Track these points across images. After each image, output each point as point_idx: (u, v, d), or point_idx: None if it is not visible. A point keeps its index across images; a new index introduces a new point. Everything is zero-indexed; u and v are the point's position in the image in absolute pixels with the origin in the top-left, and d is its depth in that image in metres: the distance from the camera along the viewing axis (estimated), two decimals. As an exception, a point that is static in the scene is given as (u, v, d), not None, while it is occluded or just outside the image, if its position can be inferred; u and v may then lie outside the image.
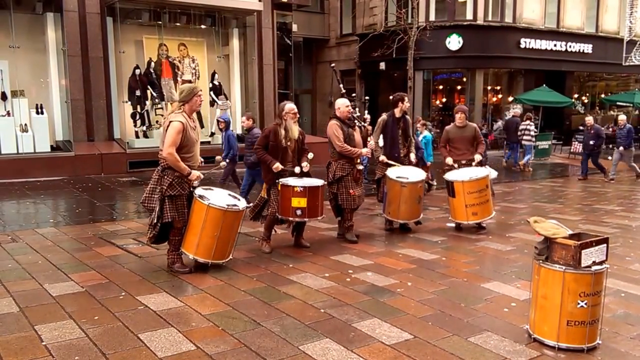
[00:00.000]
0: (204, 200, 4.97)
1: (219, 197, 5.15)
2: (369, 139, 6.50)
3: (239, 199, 5.29)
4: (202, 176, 5.10)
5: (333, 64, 8.68)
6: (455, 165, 7.18)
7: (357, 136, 6.34)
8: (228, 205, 5.04)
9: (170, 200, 4.96)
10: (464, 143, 7.32)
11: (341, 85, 6.69)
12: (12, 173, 11.07)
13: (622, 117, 13.71)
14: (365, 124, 6.57)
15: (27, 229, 7.04)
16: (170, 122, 4.91)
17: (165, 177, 4.95)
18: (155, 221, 5.04)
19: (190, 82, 14.02)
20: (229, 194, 5.35)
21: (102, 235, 6.66)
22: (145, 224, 7.48)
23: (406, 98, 6.93)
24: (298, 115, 5.96)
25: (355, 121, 6.37)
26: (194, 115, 5.31)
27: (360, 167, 6.35)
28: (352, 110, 6.32)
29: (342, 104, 6.30)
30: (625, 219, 8.18)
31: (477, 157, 7.15)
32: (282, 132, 5.79)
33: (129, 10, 13.60)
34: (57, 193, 9.72)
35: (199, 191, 5.07)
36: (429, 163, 10.61)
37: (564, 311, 3.49)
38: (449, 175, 7.00)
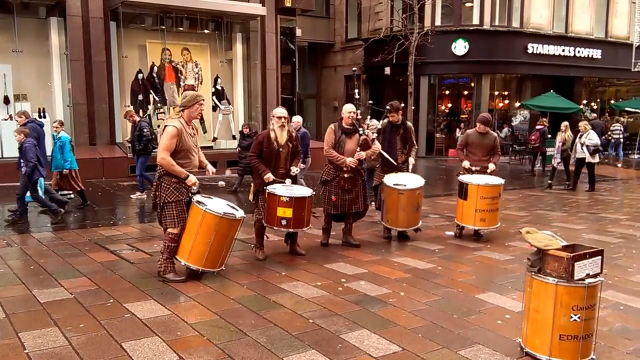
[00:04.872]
0: (201, 206, 4.92)
1: (217, 205, 5.10)
2: (374, 144, 6.36)
3: (237, 209, 5.22)
4: (197, 182, 5.03)
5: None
6: (473, 169, 7.15)
7: (350, 144, 6.19)
8: (225, 213, 4.97)
9: (169, 206, 4.91)
10: (482, 150, 7.26)
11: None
12: (14, 176, 11.04)
13: (296, 119, 9.80)
14: (367, 133, 6.30)
15: (23, 234, 7.03)
16: (165, 126, 4.88)
17: (163, 184, 4.91)
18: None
19: (193, 87, 14.08)
20: (227, 204, 5.28)
21: (98, 241, 6.62)
22: (140, 229, 7.51)
23: (389, 109, 6.77)
24: (284, 121, 5.75)
25: (360, 128, 6.23)
26: (195, 122, 5.30)
27: (346, 175, 6.19)
28: (353, 116, 6.19)
29: (344, 110, 6.27)
30: (630, 229, 8.01)
31: (491, 167, 7.12)
32: (272, 134, 5.75)
33: (133, 15, 13.63)
34: (57, 197, 9.69)
35: (197, 197, 5.02)
36: (66, 170, 8.82)
37: (556, 325, 3.39)
38: (464, 177, 6.93)
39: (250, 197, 5.97)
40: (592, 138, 11.76)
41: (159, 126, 13.51)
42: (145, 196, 9.66)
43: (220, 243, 5.03)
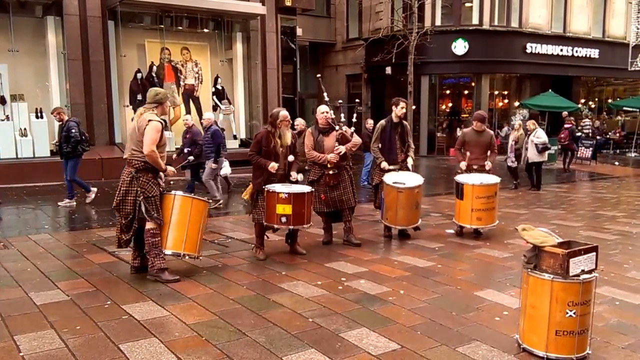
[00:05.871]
0: (186, 195, 5.15)
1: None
2: (354, 137, 6.45)
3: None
4: (175, 172, 5.23)
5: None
6: (474, 167, 7.25)
7: (329, 141, 6.27)
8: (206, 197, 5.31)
9: (151, 201, 4.93)
10: (479, 148, 7.33)
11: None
12: (10, 178, 11.02)
13: (207, 115, 9.42)
14: (345, 129, 6.38)
15: (20, 235, 6.98)
16: (150, 121, 4.91)
17: (142, 178, 4.93)
18: (135, 225, 4.97)
19: (193, 86, 14.14)
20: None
21: (96, 242, 6.60)
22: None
23: (401, 103, 6.80)
24: (290, 122, 5.94)
25: (336, 126, 6.29)
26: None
27: (331, 172, 6.27)
28: (327, 116, 6.29)
29: (318, 111, 6.39)
30: (626, 226, 8.03)
31: (488, 165, 7.21)
32: (278, 140, 5.77)
33: (131, 14, 13.57)
34: (54, 198, 9.67)
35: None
36: None
37: (552, 321, 3.40)
38: (460, 177, 6.99)
39: (246, 196, 5.97)
40: (540, 136, 11.79)
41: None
42: (74, 203, 9.02)
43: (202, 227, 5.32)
